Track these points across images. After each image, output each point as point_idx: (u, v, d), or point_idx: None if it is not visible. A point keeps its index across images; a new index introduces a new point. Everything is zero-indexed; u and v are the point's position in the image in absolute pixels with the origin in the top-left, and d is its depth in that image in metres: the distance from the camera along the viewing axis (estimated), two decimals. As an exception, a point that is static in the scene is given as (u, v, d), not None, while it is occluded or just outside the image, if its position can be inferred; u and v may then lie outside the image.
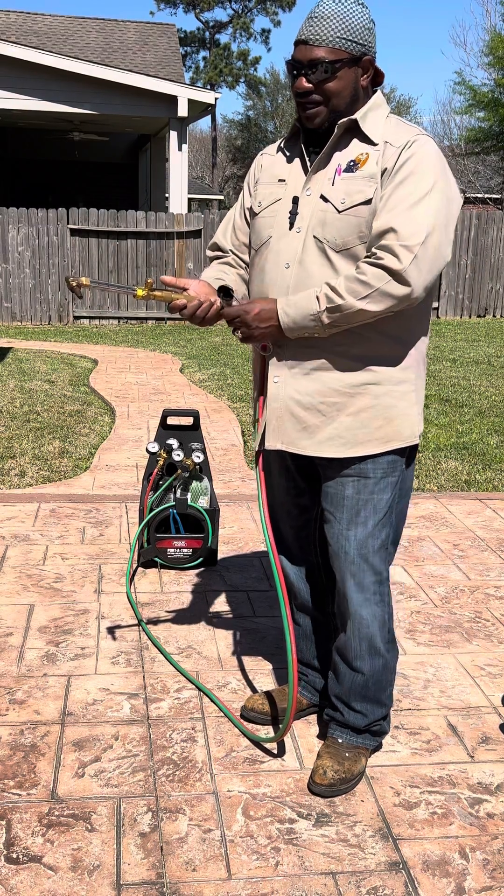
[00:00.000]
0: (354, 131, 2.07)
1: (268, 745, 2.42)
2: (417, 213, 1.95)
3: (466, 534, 4.20)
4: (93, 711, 2.56)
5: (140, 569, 3.65)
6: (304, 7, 54.76)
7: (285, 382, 2.15)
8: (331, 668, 2.34)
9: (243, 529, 4.17)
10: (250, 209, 2.27)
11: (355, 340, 2.08)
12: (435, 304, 13.55)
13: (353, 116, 2.05)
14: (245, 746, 2.41)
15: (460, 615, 3.30)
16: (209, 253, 2.42)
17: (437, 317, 14.34)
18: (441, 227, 1.97)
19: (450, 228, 2.01)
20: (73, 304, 12.87)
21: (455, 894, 1.91)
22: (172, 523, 3.61)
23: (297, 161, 2.16)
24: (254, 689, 2.73)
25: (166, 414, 3.83)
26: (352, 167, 2.04)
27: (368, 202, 2.01)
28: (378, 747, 2.39)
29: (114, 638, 3.03)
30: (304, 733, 2.49)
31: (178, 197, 14.62)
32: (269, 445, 2.22)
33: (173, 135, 14.64)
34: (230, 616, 3.23)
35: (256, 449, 2.30)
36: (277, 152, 2.24)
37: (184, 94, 14.23)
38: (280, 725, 2.27)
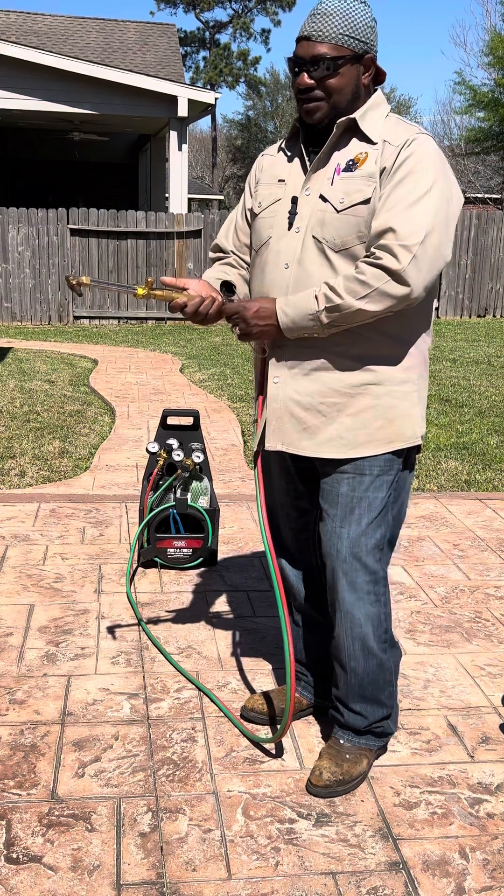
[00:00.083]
0: (354, 130, 2.06)
1: (267, 746, 2.42)
2: (416, 213, 1.94)
3: (466, 534, 4.20)
4: (93, 711, 2.56)
5: (140, 569, 3.65)
6: (304, 7, 54.79)
7: (285, 383, 2.15)
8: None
9: (243, 529, 4.17)
10: (251, 210, 2.27)
11: (355, 340, 2.07)
12: (435, 304, 13.56)
13: (351, 116, 2.04)
14: (245, 746, 2.41)
15: (460, 615, 3.30)
16: (211, 255, 2.42)
17: (437, 317, 14.34)
18: (441, 226, 1.96)
19: (450, 228, 2.00)
20: (73, 304, 12.87)
21: (455, 894, 1.91)
22: (172, 523, 3.61)
23: (296, 161, 2.16)
24: (253, 690, 2.73)
25: (166, 414, 3.83)
26: (351, 166, 2.03)
27: (367, 202, 2.00)
28: (383, 749, 2.38)
29: (114, 638, 3.03)
30: (304, 733, 2.49)
31: (178, 197, 14.62)
32: (269, 446, 2.21)
33: (173, 135, 14.64)
34: (230, 616, 3.23)
35: (255, 449, 2.30)
36: (278, 153, 2.24)
37: (184, 94, 14.23)
38: (279, 726, 2.27)
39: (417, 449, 2.23)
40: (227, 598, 3.40)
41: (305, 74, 2.02)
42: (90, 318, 13.00)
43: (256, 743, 2.42)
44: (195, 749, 2.39)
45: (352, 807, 2.18)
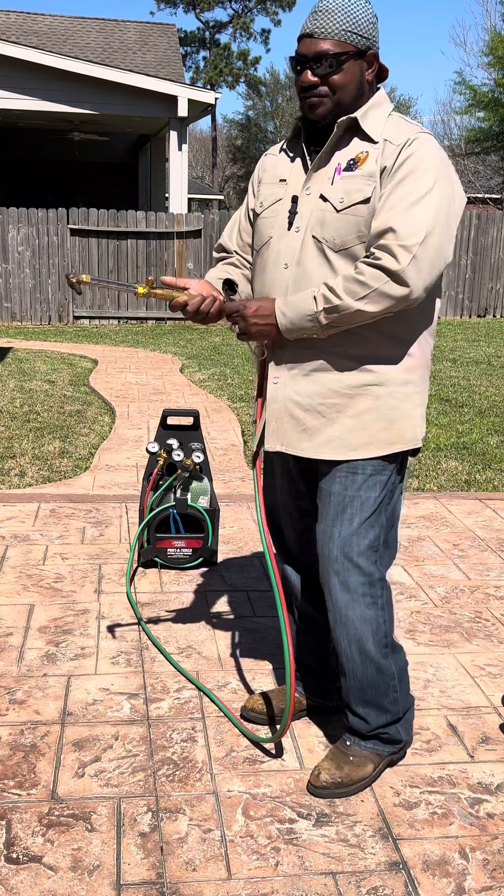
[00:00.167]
0: (355, 130, 2.05)
1: (266, 746, 2.42)
2: (417, 213, 1.93)
3: (466, 534, 4.20)
4: (93, 711, 2.56)
5: (140, 569, 3.65)
6: (304, 7, 54.77)
7: (284, 384, 2.14)
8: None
9: (243, 529, 4.17)
10: (253, 210, 2.26)
11: (355, 341, 2.06)
12: (438, 304, 13.56)
13: (353, 115, 2.03)
14: (245, 746, 2.41)
15: (460, 615, 3.30)
16: (215, 254, 2.42)
17: (437, 317, 14.33)
18: (442, 226, 1.95)
19: (451, 228, 1.99)
20: (73, 304, 12.87)
21: (455, 894, 1.91)
22: (172, 523, 3.61)
23: (298, 160, 2.15)
24: (253, 690, 2.73)
25: (166, 414, 3.83)
26: (351, 166, 2.02)
27: (367, 201, 1.99)
28: (395, 755, 2.32)
29: (114, 638, 3.03)
30: (304, 733, 2.49)
31: (178, 197, 14.62)
32: (268, 447, 2.21)
33: (173, 135, 14.64)
34: (230, 616, 3.23)
35: (254, 450, 2.30)
36: (280, 152, 2.23)
37: (184, 94, 14.23)
38: (278, 726, 2.27)
39: (415, 451, 2.21)
40: (227, 598, 3.40)
41: (309, 72, 2.01)
42: (90, 318, 13.00)
43: (256, 743, 2.42)
44: (195, 749, 2.39)
45: (352, 807, 2.18)
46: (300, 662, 2.53)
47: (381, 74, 2.10)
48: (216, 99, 14.88)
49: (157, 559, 3.59)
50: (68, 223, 12.67)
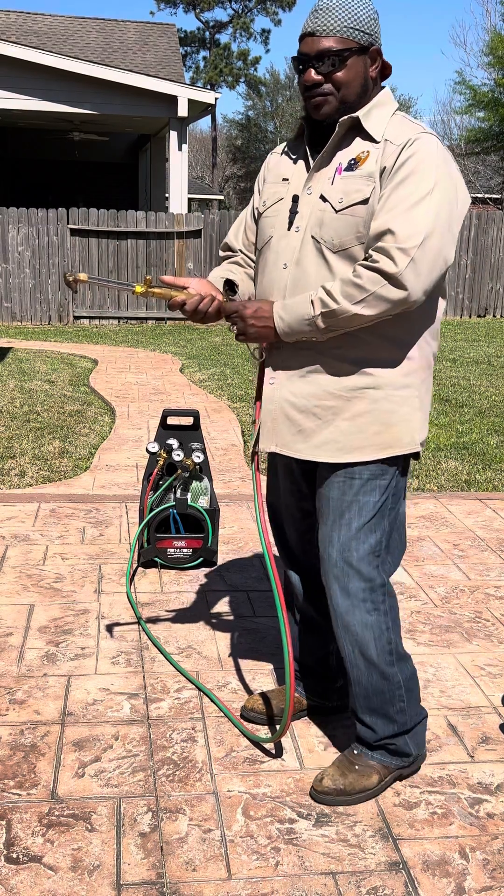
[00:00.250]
0: (357, 129, 2.03)
1: (266, 746, 2.42)
2: (416, 215, 1.90)
3: (466, 534, 4.20)
4: (93, 711, 2.56)
5: (140, 569, 3.65)
6: (303, 7, 54.76)
7: (281, 384, 2.13)
8: None
9: (243, 529, 4.17)
10: (257, 209, 2.25)
11: (352, 343, 2.04)
12: (443, 306, 13.61)
13: (354, 114, 2.01)
14: (245, 746, 2.41)
15: (460, 615, 3.30)
16: (221, 253, 2.42)
17: (442, 318, 14.33)
18: (442, 228, 1.93)
19: (453, 230, 1.96)
20: (73, 304, 12.87)
21: (455, 894, 1.91)
22: (172, 523, 3.61)
23: (301, 160, 2.14)
24: (253, 690, 2.73)
25: (166, 414, 3.83)
26: (352, 166, 2.01)
27: (365, 202, 1.97)
28: (405, 769, 2.26)
29: (114, 638, 3.03)
30: (304, 733, 2.49)
31: (178, 197, 14.62)
32: (262, 447, 2.20)
33: (173, 135, 14.64)
34: (230, 616, 3.23)
35: (251, 450, 2.29)
36: (284, 151, 2.22)
37: (184, 94, 14.23)
38: (278, 726, 2.27)
39: (416, 455, 2.18)
40: (227, 598, 3.40)
41: (312, 70, 1.99)
42: (90, 318, 13.00)
43: (256, 743, 2.42)
44: (195, 749, 2.39)
45: (352, 807, 2.17)
46: (300, 662, 2.53)
47: (385, 71, 2.08)
48: (216, 99, 14.89)
49: (157, 559, 3.59)
50: (68, 223, 12.67)
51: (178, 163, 14.68)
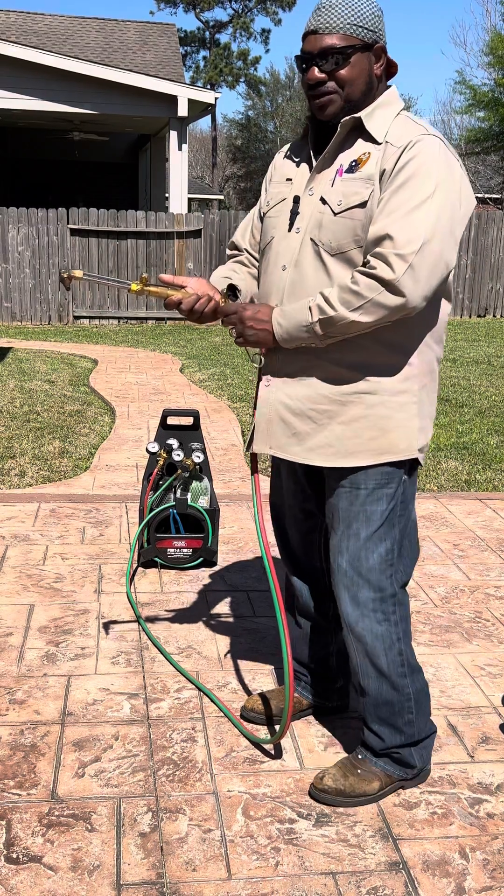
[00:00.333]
0: (360, 130, 2.00)
1: (266, 746, 2.42)
2: (416, 219, 1.87)
3: (466, 534, 4.20)
4: (93, 711, 2.56)
5: (140, 569, 3.65)
6: (303, 7, 54.77)
7: (276, 387, 2.12)
8: None
9: (243, 529, 4.17)
10: (261, 209, 2.24)
11: (349, 348, 2.01)
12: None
13: (356, 115, 1.98)
14: (245, 746, 2.42)
15: (460, 615, 3.30)
16: (228, 252, 2.40)
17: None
18: (443, 233, 1.89)
19: (455, 234, 1.93)
20: (73, 304, 12.87)
21: (455, 894, 1.91)
22: (172, 523, 3.61)
23: (304, 160, 2.12)
24: (253, 690, 2.73)
25: (166, 414, 3.83)
26: (353, 167, 1.98)
27: (364, 205, 1.94)
28: (407, 780, 2.24)
29: (114, 638, 3.03)
30: (304, 733, 2.49)
31: (178, 197, 14.62)
32: (255, 449, 2.19)
33: (173, 134, 14.64)
34: (230, 616, 3.24)
35: (244, 450, 2.29)
36: (290, 151, 2.20)
37: (184, 94, 14.23)
38: (278, 726, 2.27)
39: (415, 461, 2.13)
40: (227, 598, 3.40)
41: (315, 69, 1.96)
42: (90, 317, 13.00)
43: (256, 744, 2.42)
44: (195, 749, 2.39)
45: (351, 807, 2.17)
46: (301, 663, 2.53)
47: (391, 69, 2.05)
48: (216, 99, 14.89)
49: (157, 559, 3.59)
50: (68, 223, 12.67)
51: (178, 163, 14.68)
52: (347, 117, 1.99)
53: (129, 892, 1.88)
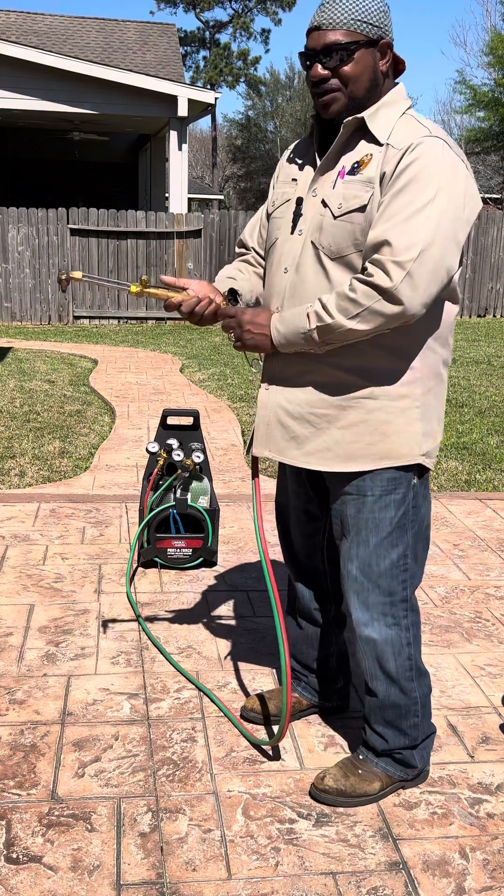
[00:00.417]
0: (363, 130, 1.97)
1: (265, 747, 2.42)
2: (415, 225, 1.83)
3: (466, 534, 4.20)
4: (93, 711, 2.56)
5: (140, 569, 3.65)
6: (304, 7, 54.78)
7: (275, 390, 2.11)
8: None
9: (243, 529, 4.17)
10: (268, 208, 2.22)
11: (349, 352, 1.99)
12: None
13: (359, 115, 1.94)
14: (245, 746, 2.42)
15: (460, 615, 3.30)
16: (236, 249, 2.38)
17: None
18: (444, 238, 1.85)
19: (458, 239, 1.88)
20: (72, 304, 12.87)
21: (455, 894, 1.91)
22: (172, 523, 3.61)
23: (308, 161, 2.10)
24: (253, 690, 2.73)
25: (166, 414, 3.83)
26: (355, 169, 1.94)
27: (363, 209, 1.91)
28: (407, 781, 2.24)
29: (114, 638, 3.03)
30: (304, 733, 2.49)
31: (178, 197, 14.62)
32: (255, 452, 2.18)
33: (173, 134, 14.64)
34: (230, 616, 3.23)
35: (244, 454, 2.29)
36: (295, 150, 2.17)
37: (184, 94, 14.23)
38: (278, 727, 2.27)
39: (418, 466, 2.08)
40: (227, 598, 3.40)
41: (319, 65, 1.92)
42: (90, 317, 13.00)
43: (256, 744, 2.42)
44: (195, 749, 2.39)
45: (352, 807, 2.17)
46: (301, 663, 2.53)
47: (398, 66, 2.00)
48: (216, 99, 14.89)
49: (157, 559, 3.59)
50: (68, 223, 12.67)
51: (178, 163, 14.68)
52: (350, 118, 1.95)
53: (129, 892, 1.88)
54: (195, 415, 3.84)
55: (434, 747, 2.43)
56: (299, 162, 2.13)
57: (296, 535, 2.40)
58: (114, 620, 3.16)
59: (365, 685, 2.23)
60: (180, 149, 14.68)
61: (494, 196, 30.93)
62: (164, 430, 3.82)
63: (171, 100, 14.27)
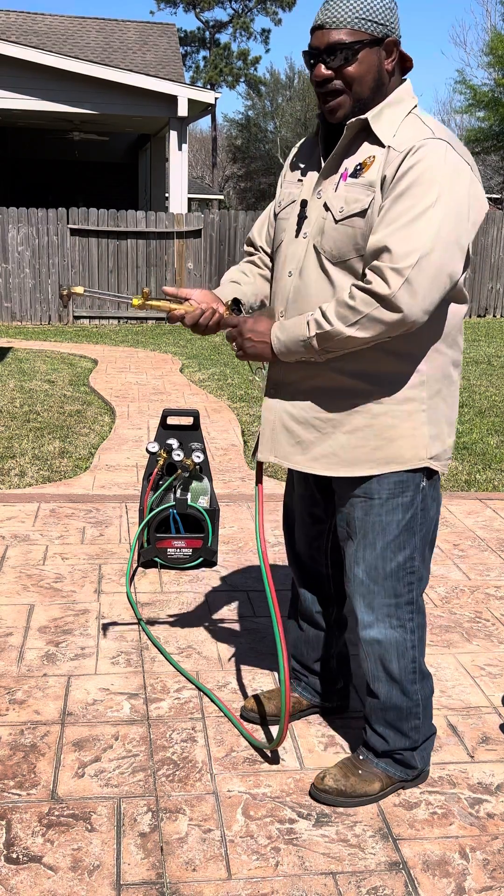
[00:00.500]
0: (367, 131, 1.93)
1: (263, 749, 2.42)
2: (415, 231, 1.80)
3: (466, 534, 4.20)
4: (93, 711, 2.56)
5: (140, 569, 3.65)
6: (303, 7, 54.77)
7: (281, 395, 2.10)
8: None
9: (243, 529, 4.17)
10: (274, 208, 2.19)
11: (354, 357, 1.97)
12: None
13: (363, 116, 1.91)
14: (245, 746, 2.42)
15: (460, 615, 3.30)
16: (245, 248, 2.36)
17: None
18: (446, 243, 1.82)
19: (461, 242, 1.85)
20: (72, 304, 12.86)
21: (455, 894, 1.91)
22: (172, 523, 3.61)
23: (314, 161, 2.07)
24: (253, 690, 2.73)
25: (166, 414, 3.83)
26: (357, 172, 1.91)
27: (363, 213, 1.89)
28: (407, 781, 2.24)
29: (114, 638, 3.03)
30: (304, 733, 2.49)
31: (178, 197, 14.62)
32: (261, 458, 2.17)
33: (173, 134, 14.64)
34: (230, 616, 3.23)
35: (251, 458, 2.28)
36: (302, 148, 2.14)
37: (184, 94, 14.23)
38: (277, 728, 2.26)
39: (427, 470, 2.06)
40: (227, 598, 3.40)
41: (322, 66, 1.88)
42: (90, 317, 12.99)
43: (257, 748, 2.42)
44: (195, 749, 2.39)
45: (352, 808, 2.17)
46: (302, 664, 2.52)
47: (405, 64, 1.96)
48: (216, 99, 14.89)
49: (157, 559, 3.59)
50: (68, 223, 12.67)
51: (178, 163, 14.68)
52: (354, 119, 1.92)
53: (129, 892, 1.88)
54: (195, 415, 3.84)
55: (434, 747, 2.43)
56: (305, 162, 2.11)
57: (300, 537, 2.39)
58: (114, 621, 3.16)
59: (366, 686, 2.22)
60: (180, 149, 14.68)
61: (495, 196, 30.93)
62: (164, 430, 3.82)
63: (171, 100, 14.27)
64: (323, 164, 2.01)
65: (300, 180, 2.09)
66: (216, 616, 3.23)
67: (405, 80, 1.99)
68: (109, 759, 2.33)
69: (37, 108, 14.30)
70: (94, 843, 2.02)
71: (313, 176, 2.05)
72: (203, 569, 3.67)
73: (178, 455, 3.58)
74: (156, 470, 3.67)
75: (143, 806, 2.15)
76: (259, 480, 2.28)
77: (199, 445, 3.75)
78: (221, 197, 32.15)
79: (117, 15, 74.78)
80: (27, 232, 12.56)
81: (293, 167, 2.15)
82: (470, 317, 14.50)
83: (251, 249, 2.34)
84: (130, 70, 14.75)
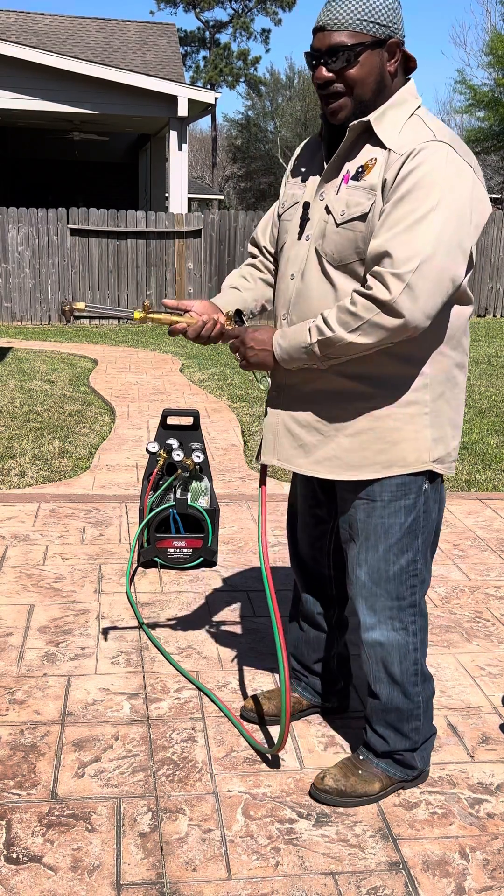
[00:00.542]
0: (369, 133, 1.91)
1: (264, 753, 2.42)
2: (416, 236, 1.79)
3: (466, 534, 4.20)
4: (93, 711, 2.56)
5: (140, 569, 3.65)
6: (303, 7, 54.77)
7: (283, 398, 2.10)
8: None
9: (243, 529, 4.17)
10: (278, 209, 2.19)
11: (356, 360, 1.96)
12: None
13: (365, 118, 1.90)
14: (245, 747, 2.42)
15: (460, 615, 3.30)
16: (249, 248, 2.35)
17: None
18: (447, 247, 1.80)
19: (464, 246, 1.84)
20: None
21: (455, 894, 1.91)
22: (172, 523, 3.61)
23: (317, 162, 2.06)
24: (254, 690, 2.73)
25: (166, 414, 3.83)
26: (359, 175, 1.90)
27: (364, 217, 1.88)
28: (407, 782, 2.24)
29: (114, 638, 3.03)
30: (304, 733, 2.49)
31: (178, 197, 14.62)
32: (263, 460, 2.17)
33: (173, 134, 14.64)
34: (230, 616, 3.23)
35: (254, 461, 2.28)
36: (306, 148, 2.13)
37: (184, 94, 14.23)
38: (277, 727, 2.27)
39: (430, 473, 2.05)
40: (227, 598, 3.40)
41: (323, 68, 1.87)
42: (90, 318, 12.99)
43: (257, 749, 2.42)
44: (195, 749, 2.39)
45: (352, 807, 2.17)
46: (302, 664, 2.52)
47: (408, 64, 1.94)
48: (216, 99, 14.88)
49: (157, 559, 3.59)
50: (68, 223, 12.67)
51: (178, 163, 14.68)
52: (356, 121, 1.90)
53: (129, 892, 1.88)
54: (195, 415, 3.84)
55: (434, 747, 2.43)
56: (308, 163, 2.10)
57: (302, 538, 2.39)
58: (114, 621, 3.16)
59: (368, 687, 2.22)
60: (180, 149, 14.68)
61: (495, 196, 30.94)
62: (164, 430, 3.82)
63: (171, 100, 14.27)
64: (325, 167, 2.00)
65: (303, 181, 2.08)
66: (216, 616, 3.23)
67: (409, 80, 1.97)
68: (109, 759, 2.33)
69: (37, 108, 14.30)
70: (94, 843, 2.02)
71: (316, 178, 2.04)
72: (203, 569, 3.67)
73: (178, 455, 3.58)
74: (156, 470, 3.67)
75: (143, 806, 2.15)
76: (262, 482, 2.27)
77: (199, 445, 3.75)
78: (221, 197, 32.15)
79: (117, 15, 74.81)
80: (27, 232, 12.56)
81: (296, 168, 2.14)
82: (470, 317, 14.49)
83: (254, 250, 2.33)
84: (130, 70, 14.75)
